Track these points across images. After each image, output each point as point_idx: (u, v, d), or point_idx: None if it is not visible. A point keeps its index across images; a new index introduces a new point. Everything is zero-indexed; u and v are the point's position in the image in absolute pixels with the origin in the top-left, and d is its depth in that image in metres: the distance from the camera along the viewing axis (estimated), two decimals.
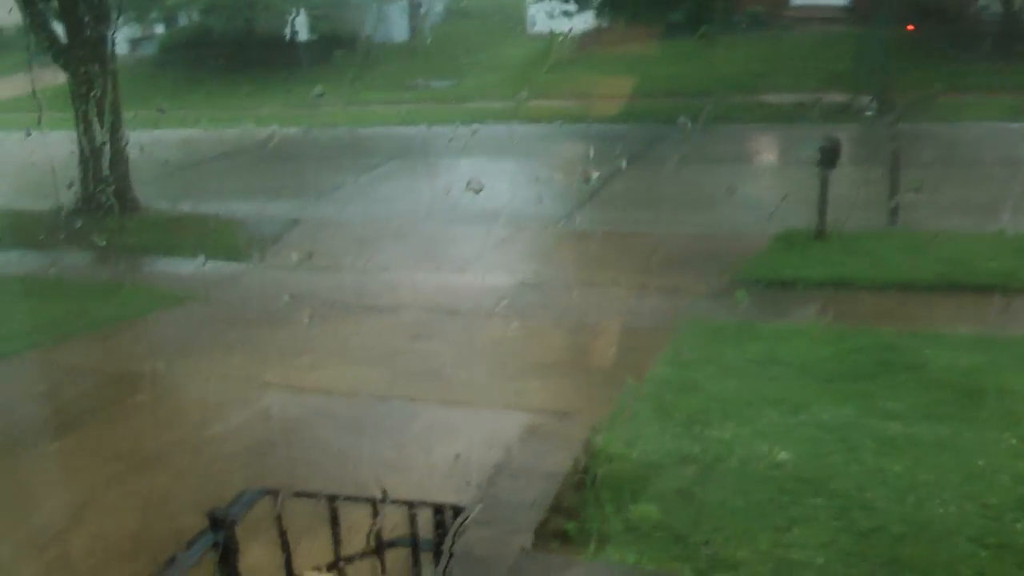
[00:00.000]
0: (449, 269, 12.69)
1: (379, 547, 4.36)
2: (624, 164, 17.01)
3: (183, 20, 36.63)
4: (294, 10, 31.47)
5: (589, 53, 27.89)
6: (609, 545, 5.74)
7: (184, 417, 8.55)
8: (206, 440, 7.82)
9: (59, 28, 16.29)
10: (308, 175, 18.58)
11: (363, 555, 4.40)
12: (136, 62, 33.13)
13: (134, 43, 35.18)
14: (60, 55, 15.71)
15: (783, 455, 6.77)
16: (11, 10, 16.16)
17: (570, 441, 7.08)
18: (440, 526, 4.31)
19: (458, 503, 4.58)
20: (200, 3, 34.66)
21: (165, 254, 14.41)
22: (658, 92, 23.36)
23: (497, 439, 7.39)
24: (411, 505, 4.41)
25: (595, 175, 16.02)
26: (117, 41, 24.57)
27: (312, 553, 4.39)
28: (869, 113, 20.24)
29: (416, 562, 4.54)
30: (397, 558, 4.59)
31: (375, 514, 4.23)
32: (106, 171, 14.38)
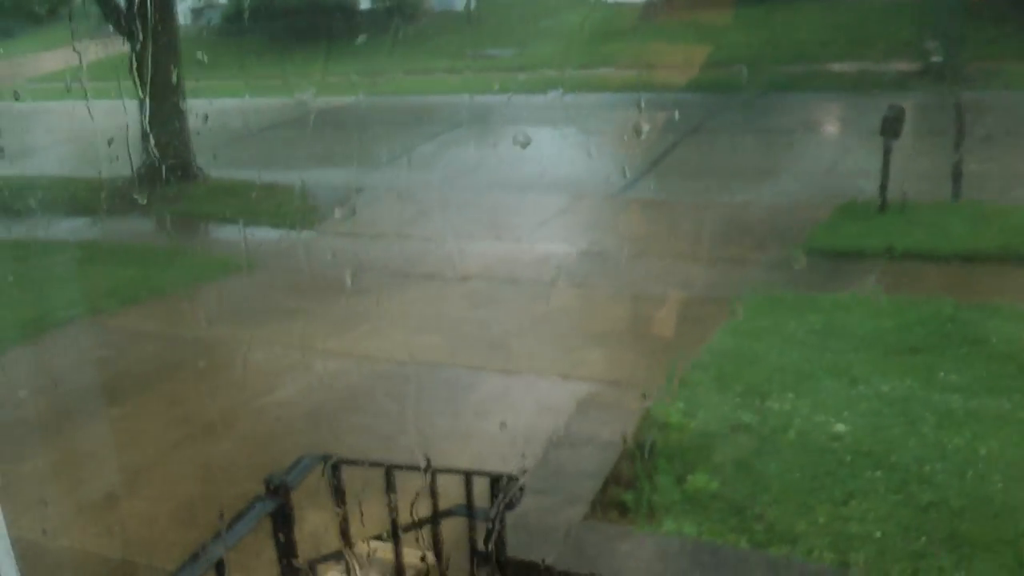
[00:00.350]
0: (509, 238, 12.68)
1: (434, 516, 4.38)
2: (687, 133, 16.92)
3: None
4: None
5: (653, 21, 27.63)
6: (667, 516, 5.74)
7: (244, 383, 8.63)
8: (266, 405, 7.91)
9: None
10: (370, 143, 18.61)
11: (418, 524, 4.43)
12: (199, 31, 33.29)
13: (196, 12, 35.32)
14: (122, 24, 15.80)
15: (842, 427, 6.74)
16: None
17: (628, 411, 7.09)
18: (496, 496, 4.32)
19: (513, 473, 4.59)
20: None
21: (227, 221, 14.53)
22: (722, 60, 23.14)
23: (555, 408, 7.42)
24: (467, 474, 4.43)
25: (657, 144, 15.94)
26: (180, 10, 24.68)
27: (367, 521, 4.42)
28: (934, 81, 19.93)
29: (472, 531, 4.57)
30: (453, 527, 4.62)
31: (431, 483, 4.25)
32: (168, 140, 14.50)
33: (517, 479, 4.43)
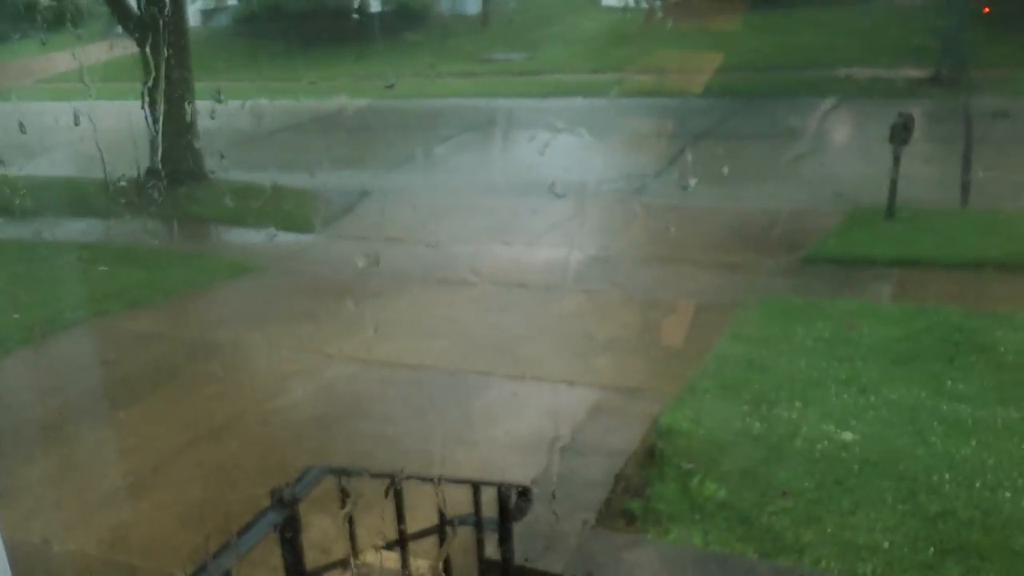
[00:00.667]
0: (518, 242, 12.67)
1: (442, 526, 4.38)
2: (696, 138, 16.92)
3: None
4: None
5: (665, 25, 27.59)
6: (674, 525, 5.74)
7: (250, 387, 8.63)
8: (272, 411, 7.90)
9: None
10: (379, 147, 18.62)
11: (426, 533, 4.43)
12: (208, 33, 33.32)
13: (206, 14, 35.35)
14: (132, 26, 15.85)
15: (849, 436, 6.73)
16: None
17: (636, 418, 7.08)
18: (504, 505, 4.32)
19: (522, 483, 4.58)
20: None
21: (235, 224, 14.55)
22: (733, 66, 23.13)
23: (563, 415, 7.42)
24: (475, 484, 4.43)
25: (667, 150, 15.94)
26: (189, 12, 24.71)
27: (375, 530, 4.42)
28: (943, 89, 19.93)
29: (480, 541, 4.56)
30: (461, 537, 4.61)
31: (438, 493, 4.25)
32: (177, 141, 14.51)
33: (527, 489, 4.43)
